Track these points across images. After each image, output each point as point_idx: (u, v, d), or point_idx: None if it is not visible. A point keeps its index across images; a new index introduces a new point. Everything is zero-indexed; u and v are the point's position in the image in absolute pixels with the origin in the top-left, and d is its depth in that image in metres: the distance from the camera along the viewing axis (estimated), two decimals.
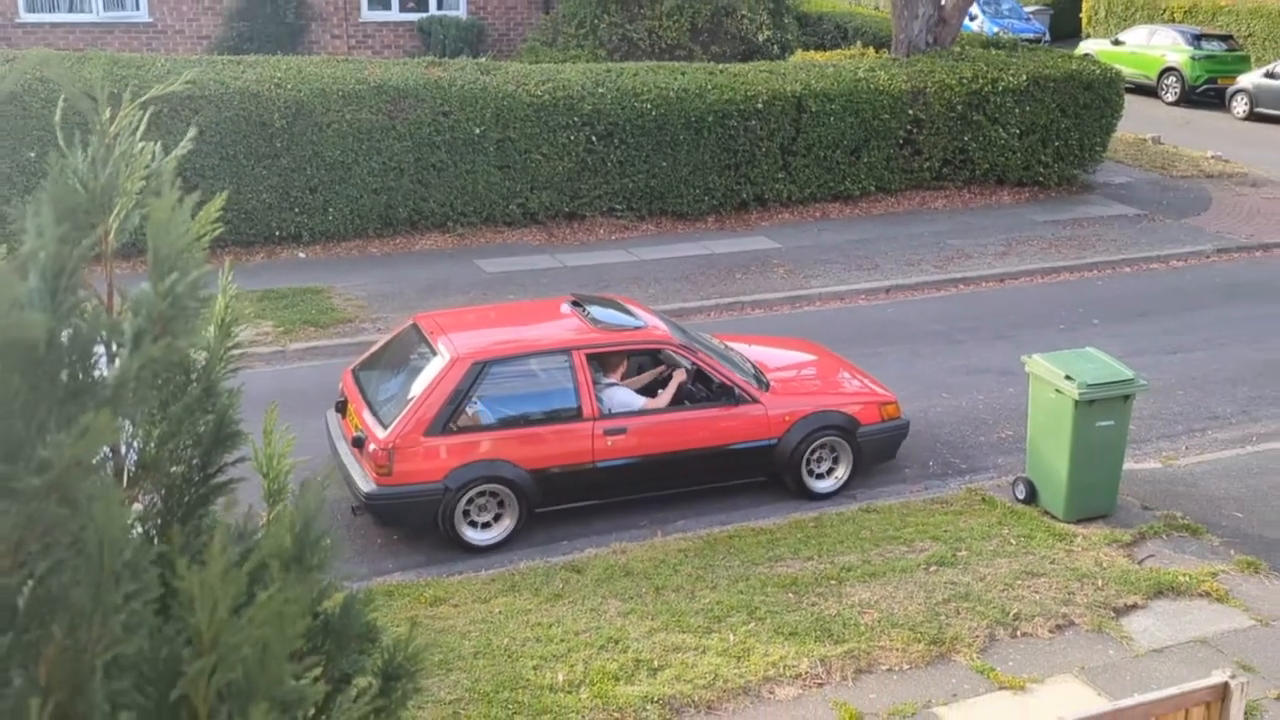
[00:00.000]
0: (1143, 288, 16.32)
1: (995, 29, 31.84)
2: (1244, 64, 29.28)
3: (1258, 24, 31.30)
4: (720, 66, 18.76)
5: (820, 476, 10.50)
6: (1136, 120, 24.44)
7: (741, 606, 8.44)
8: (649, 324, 10.55)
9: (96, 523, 1.49)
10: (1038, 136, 19.80)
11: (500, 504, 9.59)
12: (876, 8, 29.51)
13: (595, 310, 10.50)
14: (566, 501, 9.87)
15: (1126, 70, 25.64)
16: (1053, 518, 9.82)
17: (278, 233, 16.27)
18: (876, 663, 7.88)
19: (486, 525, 9.60)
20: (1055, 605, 8.53)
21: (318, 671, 2.25)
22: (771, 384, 10.54)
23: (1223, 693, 5.55)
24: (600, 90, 17.15)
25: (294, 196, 16.17)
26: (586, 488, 9.91)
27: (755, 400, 10.24)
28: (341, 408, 10.22)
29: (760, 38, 23.25)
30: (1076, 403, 9.49)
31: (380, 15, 23.39)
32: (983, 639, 8.15)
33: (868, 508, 10.06)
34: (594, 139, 17.16)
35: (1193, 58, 29.25)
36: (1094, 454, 9.70)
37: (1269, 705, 7.51)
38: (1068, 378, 9.57)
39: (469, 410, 9.50)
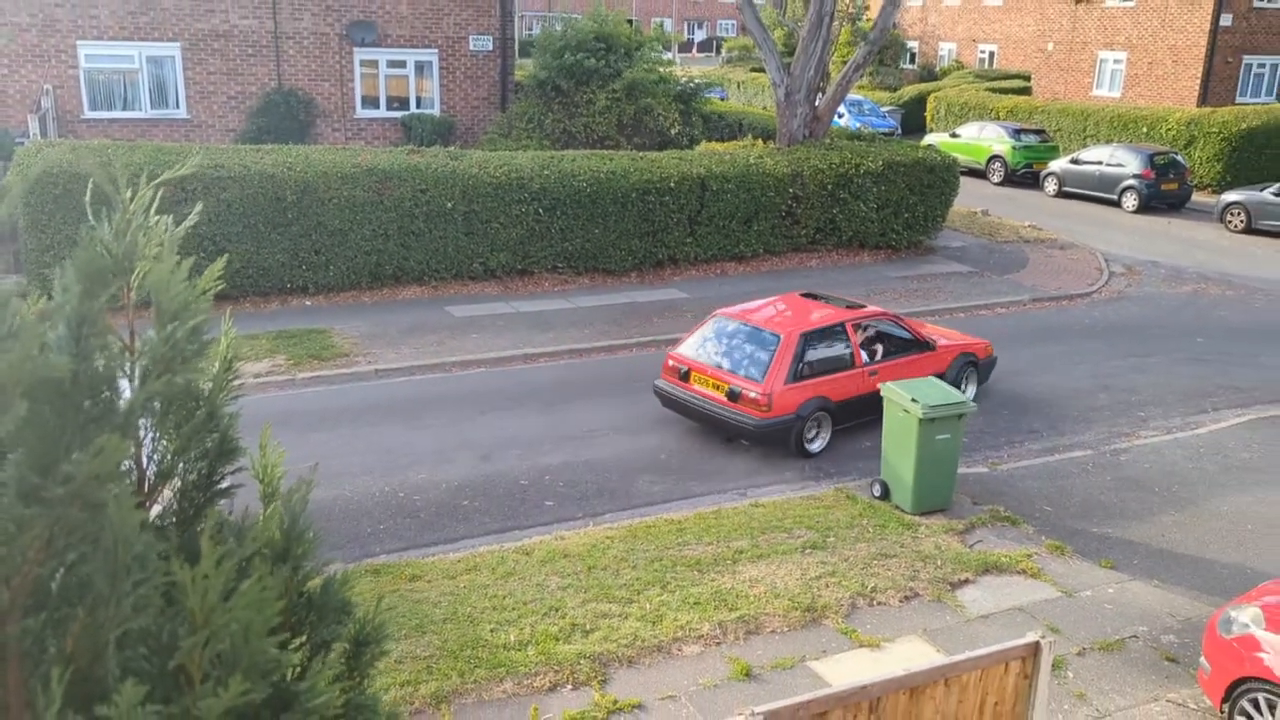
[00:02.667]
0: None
1: (858, 124, 32.28)
2: (1054, 152, 29.79)
3: (1064, 121, 32.07)
4: (641, 154, 18.88)
5: (964, 390, 12.49)
6: (969, 197, 24.87)
7: (656, 582, 8.46)
8: (873, 306, 13.03)
9: (112, 524, 1.51)
10: (891, 209, 20.09)
11: (818, 425, 11.44)
12: (764, 108, 29.87)
13: (833, 298, 12.91)
14: (851, 420, 11.71)
15: (962, 157, 26.11)
16: (902, 511, 9.92)
17: (289, 285, 16.11)
18: (763, 626, 7.92)
19: (813, 440, 11.43)
20: (904, 580, 8.63)
21: (301, 639, 2.26)
22: (934, 338, 12.69)
23: (1035, 649, 5.62)
24: (546, 173, 17.20)
25: (302, 256, 16.02)
26: (860, 410, 11.65)
27: (935, 348, 12.50)
28: (686, 376, 11.67)
29: (673, 131, 23.49)
30: (920, 420, 9.64)
31: (371, 113, 23.28)
32: (846, 607, 8.23)
33: (756, 503, 10.10)
34: (541, 211, 17.19)
35: (1014, 147, 29.59)
36: (934, 460, 9.84)
37: (1071, 659, 7.64)
38: (913, 400, 9.72)
39: (802, 367, 11.28)
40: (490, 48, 23.66)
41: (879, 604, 8.30)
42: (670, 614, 7.97)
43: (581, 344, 14.87)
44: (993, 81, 39.55)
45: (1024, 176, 29.39)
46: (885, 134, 29.01)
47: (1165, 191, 25.74)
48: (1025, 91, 37.56)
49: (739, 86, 45.05)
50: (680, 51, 68.87)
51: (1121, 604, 8.41)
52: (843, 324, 11.88)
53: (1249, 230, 23.39)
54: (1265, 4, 32.04)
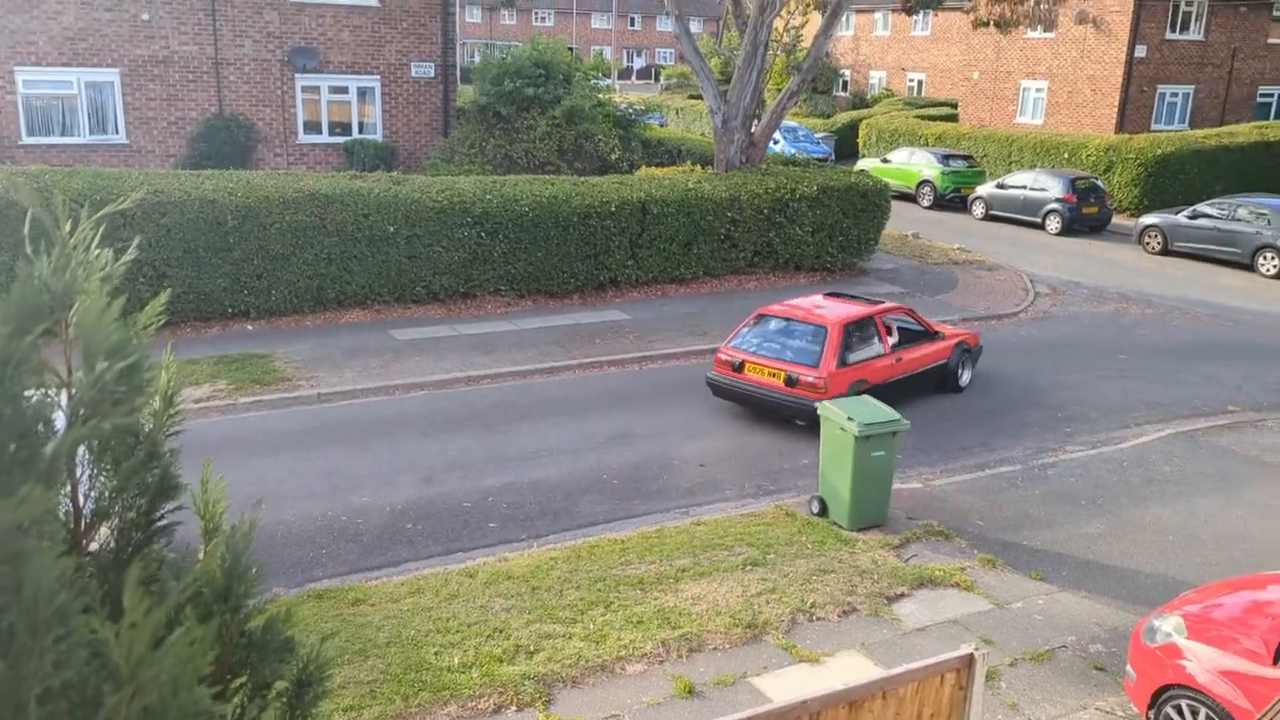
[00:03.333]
0: None
1: (793, 151, 32.66)
2: (981, 177, 30.38)
3: (990, 147, 32.76)
4: (582, 179, 18.90)
5: (961, 379, 14.35)
6: (900, 220, 25.21)
7: (600, 601, 8.41)
8: (891, 302, 14.40)
9: (32, 577, 1.45)
10: (826, 233, 20.33)
11: None
12: (702, 134, 30.09)
13: (856, 296, 14.22)
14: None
15: (893, 182, 26.48)
16: (840, 527, 9.97)
17: (230, 310, 15.83)
18: (705, 643, 7.90)
19: None
20: (842, 595, 8.67)
21: (242, 680, 2.19)
22: (940, 329, 14.45)
23: (969, 661, 5.65)
24: (488, 197, 17.14)
25: (244, 281, 15.75)
26: (892, 391, 12.79)
27: (943, 337, 14.14)
28: (740, 367, 12.83)
29: (613, 157, 23.56)
30: (856, 438, 9.72)
31: (313, 138, 23.01)
32: (787, 623, 8.24)
33: (698, 522, 10.10)
34: (483, 235, 17.11)
35: (943, 172, 30.14)
36: (870, 477, 9.92)
37: (1004, 670, 7.72)
38: (849, 419, 9.80)
39: (846, 354, 12.52)
40: (432, 74, 23.57)
41: (818, 619, 8.32)
42: (614, 633, 7.93)
43: (524, 365, 14.80)
44: (922, 109, 40.37)
45: (952, 200, 29.92)
46: (819, 160, 29.35)
47: (1086, 215, 26.41)
48: (953, 119, 38.36)
49: (677, 113, 45.41)
50: (620, 78, 69.23)
51: (1051, 615, 8.54)
52: (872, 317, 13.24)
53: (1165, 252, 24.08)
54: (1176, 36, 33.14)
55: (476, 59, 26.20)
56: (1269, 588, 7.31)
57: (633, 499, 10.81)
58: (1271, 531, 10.18)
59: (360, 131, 23.35)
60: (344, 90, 23.03)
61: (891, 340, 13.35)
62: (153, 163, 21.34)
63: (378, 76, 23.19)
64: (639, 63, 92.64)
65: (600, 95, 24.55)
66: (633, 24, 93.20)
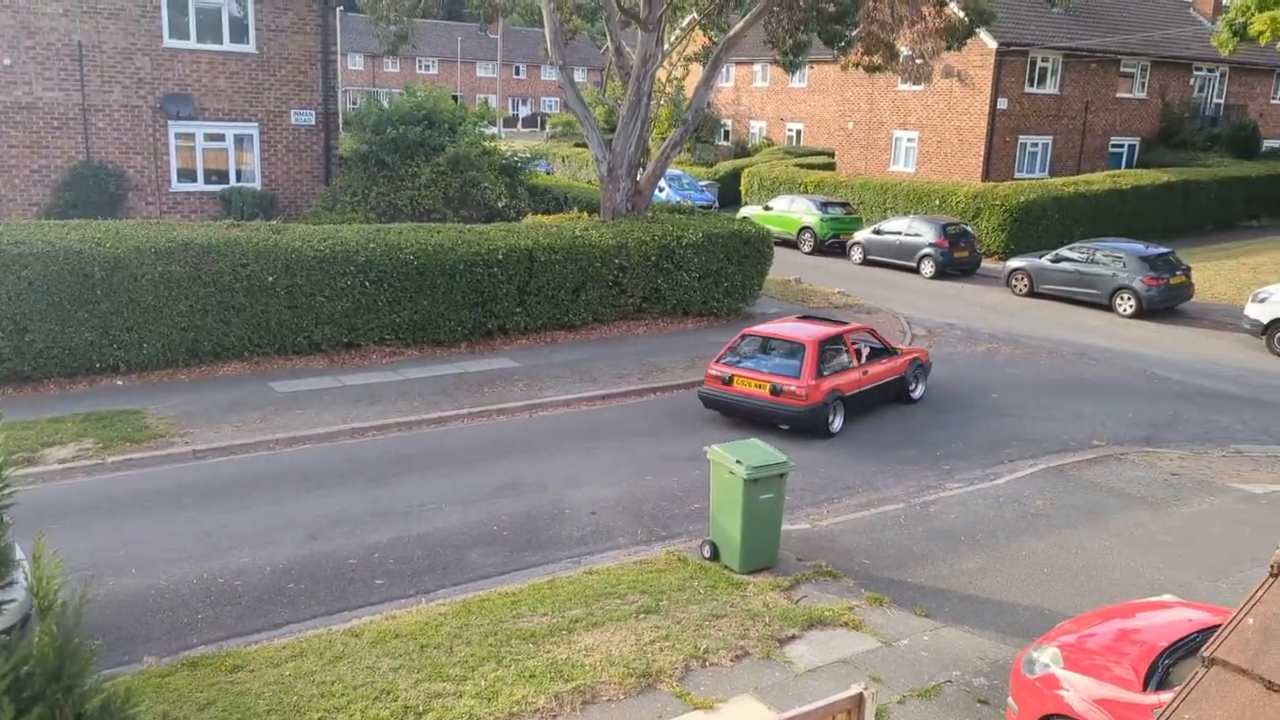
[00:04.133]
0: None
1: (678, 198, 33.23)
2: (858, 224, 31.35)
3: (866, 194, 33.88)
4: (468, 226, 18.80)
5: (914, 391, 16.17)
6: (783, 266, 25.84)
7: (491, 657, 8.22)
8: (855, 323, 16.63)
9: None
10: (712, 278, 20.66)
11: (835, 411, 14.43)
12: (589, 182, 30.36)
13: (825, 319, 16.24)
14: (853, 409, 14.84)
15: (775, 229, 27.12)
16: (731, 571, 10.00)
17: (99, 364, 15.10)
18: (599, 695, 7.79)
19: (833, 422, 14.41)
20: (734, 639, 8.67)
21: None
22: (898, 347, 16.45)
23: (859, 701, 5.68)
24: (372, 245, 16.87)
25: (113, 335, 15.07)
26: (860, 400, 14.94)
27: (900, 353, 16.07)
28: (729, 381, 14.44)
29: (500, 204, 23.55)
30: (745, 481, 9.80)
31: (188, 187, 22.30)
32: (680, 670, 8.20)
33: (590, 570, 10.01)
34: (367, 284, 16.81)
35: (822, 219, 31.03)
36: (759, 520, 9.99)
37: (893, 707, 7.82)
38: (738, 462, 9.88)
39: (822, 366, 14.27)
40: (313, 121, 23.18)
41: (712, 664, 8.30)
42: (506, 689, 7.75)
43: (411, 416, 14.52)
44: (801, 158, 41.61)
45: (832, 246, 30.77)
46: (704, 207, 29.92)
47: (958, 259, 27.52)
48: (830, 167, 39.63)
49: (564, 160, 45.75)
50: (505, 126, 69.41)
51: (936, 650, 8.71)
52: (841, 335, 15.06)
53: (1032, 294, 25.23)
54: (1034, 90, 35.06)
55: (360, 105, 25.86)
56: (1138, 615, 7.63)
57: (524, 550, 10.66)
58: (1137, 560, 10.65)
59: (238, 179, 22.76)
60: (220, 137, 22.44)
61: (859, 356, 15.22)
62: (14, 212, 20.34)
63: (256, 123, 22.69)
64: (525, 111, 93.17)
65: (486, 143, 24.54)
66: (518, 73, 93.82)
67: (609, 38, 22.34)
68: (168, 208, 21.96)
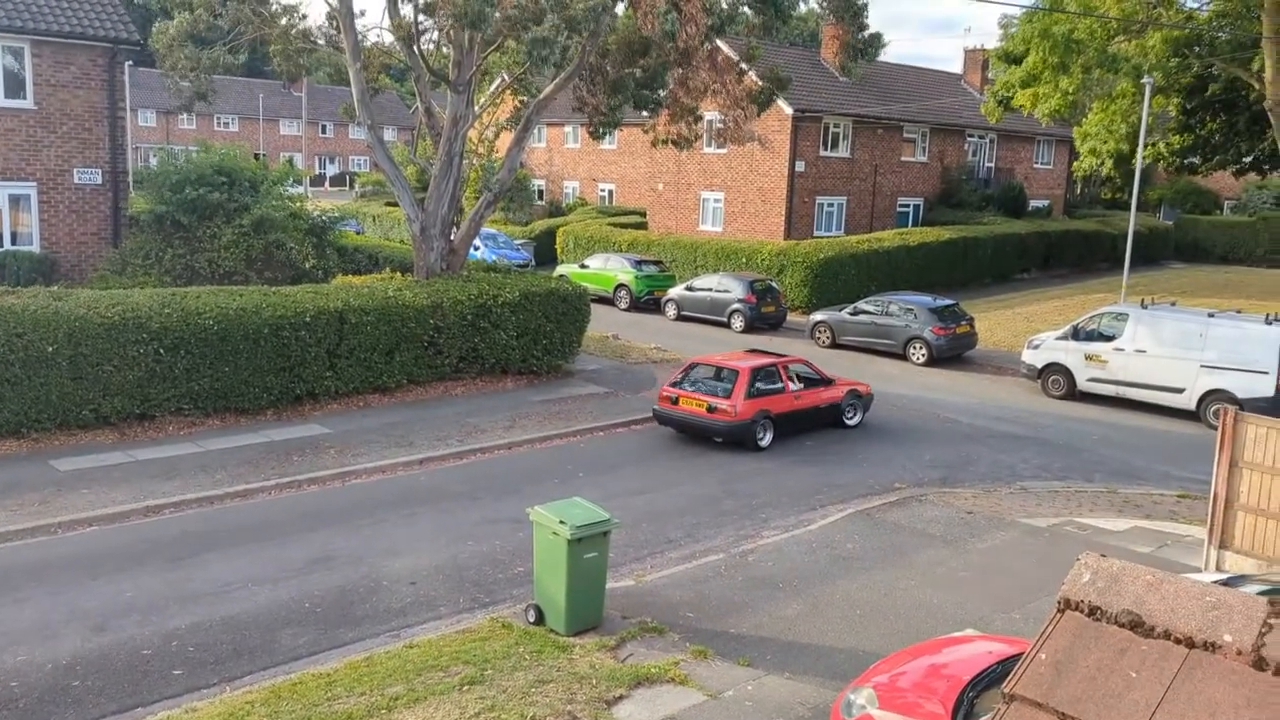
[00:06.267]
0: (613, 447, 17.11)
1: (494, 257, 33.16)
2: (672, 280, 32.09)
3: (678, 252, 34.79)
4: (274, 289, 18.07)
5: (850, 418, 18.35)
6: (601, 323, 26.10)
7: None
8: (794, 355, 19.29)
9: None
10: (530, 337, 20.61)
11: (765, 429, 16.76)
12: (401, 241, 29.90)
13: (770, 352, 18.53)
14: (785, 428, 17.13)
15: (591, 286, 27.42)
16: (557, 633, 9.85)
17: None
18: None
19: (762, 439, 16.72)
20: (562, 704, 8.50)
21: None
22: (835, 378, 18.61)
23: None
24: (167, 311, 15.95)
25: None
26: (790, 420, 17.25)
27: (834, 383, 18.37)
28: (676, 401, 16.99)
29: (307, 265, 22.83)
30: (569, 541, 9.71)
31: None
32: None
33: (411, 644, 9.64)
34: (162, 351, 15.83)
35: (637, 276, 31.66)
36: (584, 580, 9.91)
37: None
38: (561, 522, 9.79)
39: (753, 389, 16.64)
40: (99, 181, 21.83)
41: None
42: None
43: (213, 490, 13.70)
44: (614, 217, 42.41)
45: (647, 303, 31.40)
46: (520, 265, 30.00)
47: (765, 313, 28.61)
48: (643, 226, 40.57)
49: (374, 220, 44.89)
50: (312, 185, 67.59)
51: (760, 699, 8.83)
52: (776, 365, 17.49)
53: (834, 345, 26.47)
54: (828, 153, 37.18)
55: (153, 163, 24.61)
56: (943, 651, 8.00)
57: (339, 627, 10.16)
58: (940, 597, 11.20)
59: (14, 242, 21.10)
60: None
61: (793, 383, 17.46)
62: None
63: (34, 183, 21.16)
64: (332, 169, 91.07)
65: (292, 203, 23.78)
66: (324, 131, 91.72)
67: (418, 98, 22.19)
68: None
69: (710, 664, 9.43)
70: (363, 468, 15.04)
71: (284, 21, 22.21)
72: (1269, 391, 18.82)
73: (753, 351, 18.57)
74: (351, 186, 74.85)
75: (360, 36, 21.42)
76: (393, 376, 18.78)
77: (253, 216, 21.89)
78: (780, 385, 17.23)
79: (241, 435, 16.12)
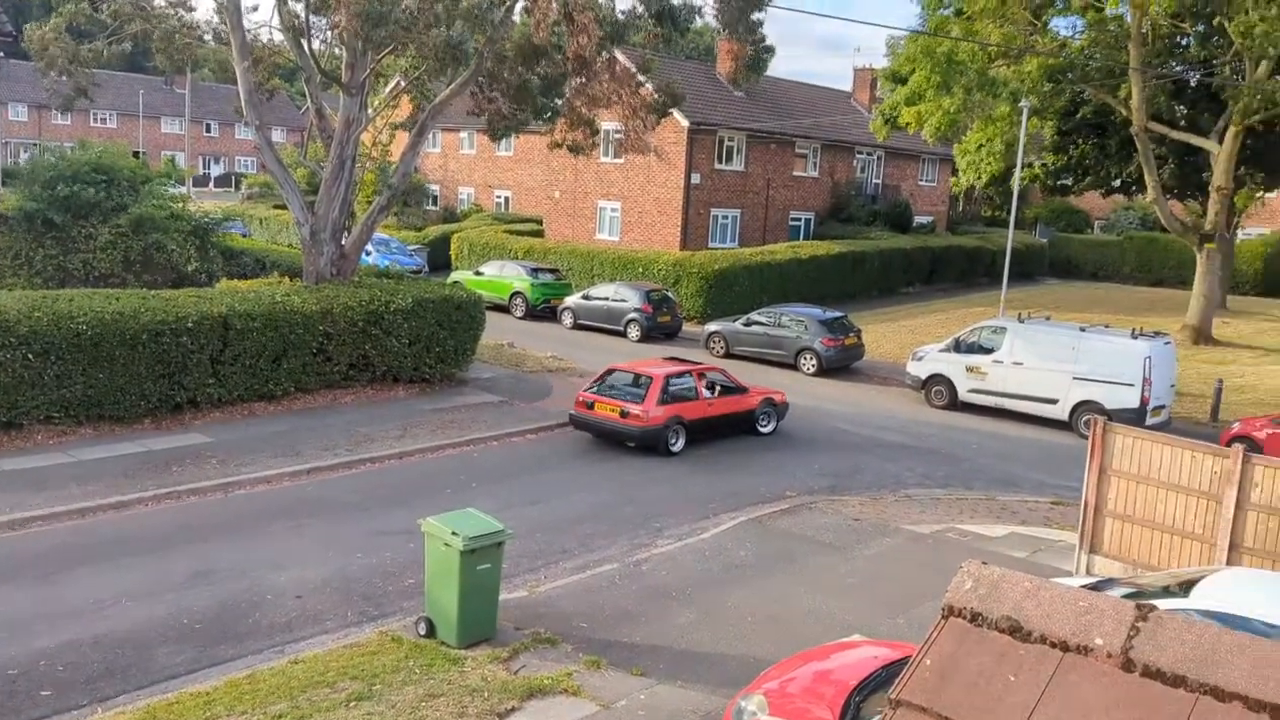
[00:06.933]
0: (508, 456, 16.93)
1: (386, 263, 32.57)
2: (568, 289, 32.06)
3: (574, 261, 34.77)
4: (153, 292, 17.39)
5: (764, 426, 18.80)
6: (496, 330, 25.81)
7: None
8: (711, 363, 20.41)
9: None
10: (423, 344, 20.28)
11: (677, 434, 17.19)
12: (290, 245, 29.12)
13: (687, 360, 19.16)
14: (698, 434, 17.55)
15: (486, 294, 27.17)
16: (449, 646, 9.70)
17: None
18: None
19: (675, 443, 17.14)
20: (453, 718, 8.37)
21: None
22: (749, 386, 19.14)
23: None
24: (36, 314, 15.16)
25: None
26: (704, 429, 17.68)
27: (748, 391, 18.77)
28: (591, 406, 17.25)
29: (189, 268, 22.04)
30: (462, 553, 9.58)
31: None
32: None
33: (295, 660, 9.35)
34: (30, 356, 15.03)
35: (533, 284, 31.50)
36: (477, 591, 9.78)
37: None
38: (454, 533, 9.65)
39: (667, 396, 17.11)
40: None
41: None
42: None
43: (85, 502, 13.06)
44: (510, 224, 42.15)
45: (543, 311, 31.26)
46: (413, 272, 29.52)
47: (661, 323, 28.81)
48: (539, 234, 40.41)
49: (262, 222, 43.63)
50: (196, 186, 65.32)
51: (652, 708, 8.85)
52: (690, 372, 18.00)
53: (728, 355, 26.79)
54: (723, 167, 37.70)
55: (24, 159, 23.43)
56: (831, 656, 8.16)
57: (220, 643, 9.80)
58: (829, 604, 11.43)
59: None
60: None
61: (708, 391, 17.86)
62: None
63: None
64: (217, 170, 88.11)
65: (174, 203, 22.92)
66: (209, 130, 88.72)
67: (309, 99, 21.66)
68: None
69: (603, 674, 9.41)
70: (247, 478, 14.56)
71: (170, 16, 21.40)
72: (1135, 403, 19.83)
73: (670, 359, 18.90)
74: (237, 188, 72.58)
75: (250, 34, 20.81)
76: (280, 384, 18.25)
77: (131, 216, 21.02)
78: (694, 393, 17.63)
79: (117, 445, 15.42)
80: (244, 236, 34.16)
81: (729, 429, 18.28)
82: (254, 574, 11.39)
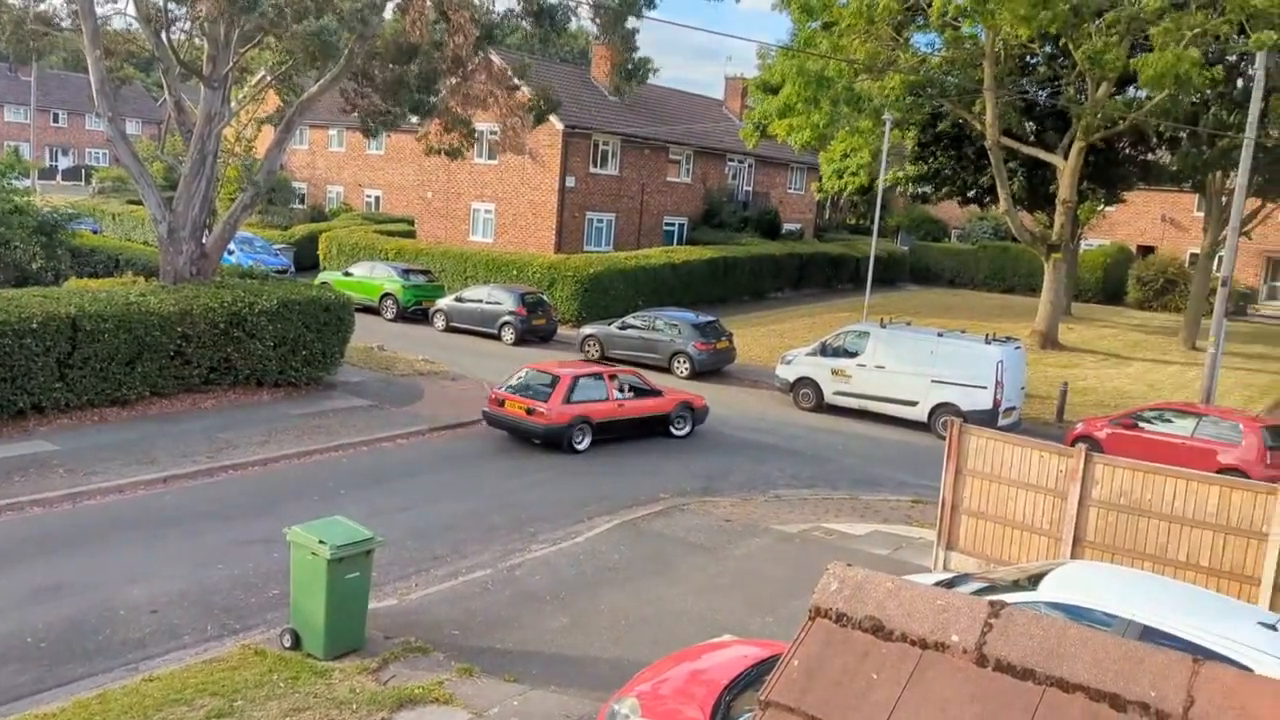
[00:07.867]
0: (378, 462, 16.56)
1: (250, 262, 31.35)
2: (441, 291, 31.51)
3: (447, 262, 34.23)
4: None
5: (678, 429, 19.22)
6: (366, 333, 25.17)
7: None
8: (624, 367, 20.82)
9: None
10: (289, 347, 19.64)
11: (582, 433, 17.56)
12: (145, 243, 27.78)
13: (599, 363, 21.30)
14: (606, 435, 17.93)
15: (356, 295, 26.50)
16: (315, 658, 9.43)
17: None
18: None
19: (580, 442, 17.53)
20: None
21: None
22: (663, 390, 19.50)
23: None
24: None
25: None
26: (612, 429, 18.07)
27: (663, 394, 19.25)
28: (502, 403, 17.66)
29: (34, 266, 20.79)
30: (329, 562, 9.32)
31: None
32: None
33: (150, 677, 8.91)
34: None
35: (404, 286, 30.86)
36: (345, 601, 9.53)
37: None
38: (320, 541, 9.39)
39: (573, 396, 17.48)
40: None
41: None
42: None
43: None
44: (380, 224, 41.24)
45: (415, 313, 30.71)
46: (278, 272, 28.56)
47: (536, 326, 28.65)
48: (411, 235, 39.67)
49: (115, 219, 41.47)
50: (42, 179, 61.60)
51: (526, 714, 8.79)
52: (601, 374, 18.61)
53: (603, 358, 26.62)
54: (598, 171, 37.79)
55: None
56: (702, 657, 8.26)
57: (67, 662, 9.26)
58: (701, 604, 11.57)
59: None
60: None
61: (617, 392, 18.28)
62: None
63: None
64: (65, 162, 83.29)
65: (17, 197, 21.57)
66: (56, 120, 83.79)
67: (167, 91, 20.71)
68: None
69: (476, 681, 9.30)
70: (96, 487, 13.81)
71: (16, 7, 20.12)
72: (988, 405, 20.77)
73: (588, 362, 19.20)
74: (88, 182, 68.77)
75: (103, 21, 19.76)
76: (134, 388, 17.37)
77: None
78: (603, 393, 18.05)
79: None
80: (95, 234, 32.43)
81: (639, 430, 18.64)
82: (105, 588, 10.81)
